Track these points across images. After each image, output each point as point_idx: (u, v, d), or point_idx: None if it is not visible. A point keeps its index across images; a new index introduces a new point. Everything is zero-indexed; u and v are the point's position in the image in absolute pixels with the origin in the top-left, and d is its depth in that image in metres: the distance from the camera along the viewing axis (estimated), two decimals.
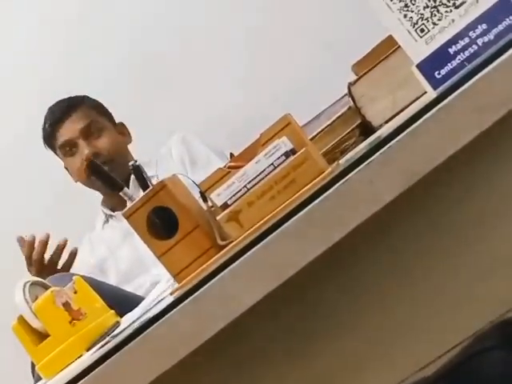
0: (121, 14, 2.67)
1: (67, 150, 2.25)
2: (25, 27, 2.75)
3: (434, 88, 0.85)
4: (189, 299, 0.80)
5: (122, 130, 2.33)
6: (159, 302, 1.07)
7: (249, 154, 0.95)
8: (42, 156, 2.34)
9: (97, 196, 2.36)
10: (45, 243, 2.00)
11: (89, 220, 2.40)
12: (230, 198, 0.93)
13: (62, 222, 2.55)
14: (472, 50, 0.84)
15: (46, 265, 2.00)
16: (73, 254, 2.05)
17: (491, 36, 0.83)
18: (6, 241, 2.36)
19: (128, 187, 2.05)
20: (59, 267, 2.03)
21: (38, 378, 1.45)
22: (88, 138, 2.22)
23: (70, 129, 2.23)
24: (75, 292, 1.21)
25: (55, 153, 2.31)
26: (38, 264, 1.99)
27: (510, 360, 0.75)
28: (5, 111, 2.74)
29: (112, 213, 2.31)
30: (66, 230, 2.31)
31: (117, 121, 2.35)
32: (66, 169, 2.32)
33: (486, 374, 0.75)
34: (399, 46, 0.90)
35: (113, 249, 2.26)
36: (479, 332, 0.78)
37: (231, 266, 0.79)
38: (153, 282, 2.07)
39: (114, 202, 2.29)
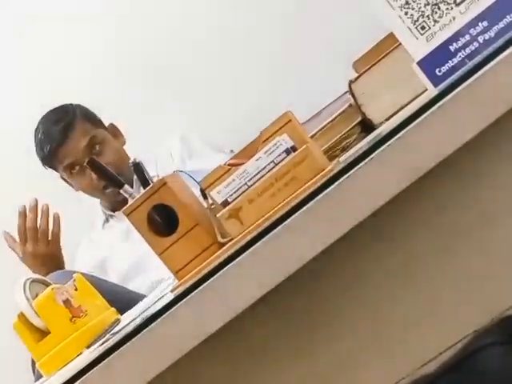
0: (121, 15, 2.67)
1: (73, 170, 2.22)
2: (24, 28, 2.75)
3: (435, 85, 0.85)
4: (189, 296, 0.80)
5: (114, 133, 2.32)
6: (160, 299, 1.07)
7: (249, 151, 0.95)
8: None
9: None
10: (35, 209, 2.03)
11: (89, 220, 2.40)
12: (230, 196, 0.93)
13: (61, 222, 2.55)
14: (473, 48, 0.84)
15: (40, 237, 2.03)
16: (57, 219, 2.07)
17: (492, 33, 0.83)
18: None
19: (132, 187, 2.04)
20: (50, 238, 2.05)
21: (39, 375, 1.45)
22: (92, 155, 2.20)
23: (72, 150, 2.18)
24: (76, 289, 1.22)
25: (56, 171, 2.28)
26: (33, 233, 2.01)
27: (511, 357, 0.75)
28: (5, 111, 2.74)
29: (112, 213, 2.31)
30: (66, 229, 2.31)
31: (115, 121, 2.34)
32: (63, 179, 2.30)
33: (488, 370, 0.75)
34: (400, 44, 0.90)
35: (113, 248, 2.26)
36: (480, 329, 0.79)
37: (232, 264, 0.79)
38: (154, 280, 2.08)
39: (116, 206, 2.28)
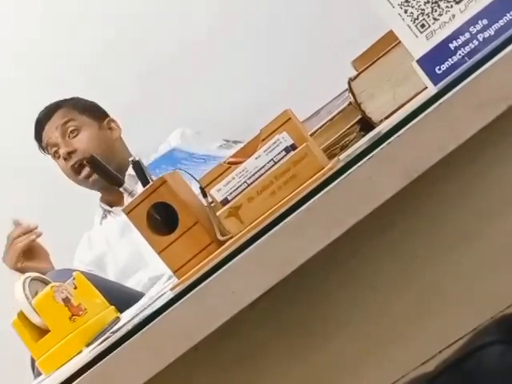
0: (122, 13, 2.67)
1: (52, 151, 2.27)
2: (24, 23, 2.75)
3: (435, 83, 0.85)
4: (189, 295, 0.80)
5: (109, 126, 2.33)
6: (159, 297, 1.07)
7: (249, 149, 0.95)
8: (40, 155, 2.34)
9: (95, 194, 2.36)
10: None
11: (87, 218, 2.40)
12: (230, 194, 0.93)
13: (60, 221, 2.55)
14: (472, 46, 0.84)
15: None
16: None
17: (492, 31, 0.83)
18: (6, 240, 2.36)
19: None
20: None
21: (38, 374, 1.45)
22: (65, 137, 2.23)
23: (50, 130, 2.25)
24: (75, 287, 1.22)
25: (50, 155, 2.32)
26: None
27: (510, 355, 0.75)
28: (4, 110, 2.74)
29: (110, 208, 2.31)
30: (65, 228, 2.31)
31: (116, 117, 2.35)
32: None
33: (487, 369, 0.75)
34: (399, 42, 0.89)
35: (111, 244, 2.26)
36: (480, 327, 0.79)
37: (231, 262, 0.79)
38: (151, 277, 2.08)
39: (112, 198, 2.29)
